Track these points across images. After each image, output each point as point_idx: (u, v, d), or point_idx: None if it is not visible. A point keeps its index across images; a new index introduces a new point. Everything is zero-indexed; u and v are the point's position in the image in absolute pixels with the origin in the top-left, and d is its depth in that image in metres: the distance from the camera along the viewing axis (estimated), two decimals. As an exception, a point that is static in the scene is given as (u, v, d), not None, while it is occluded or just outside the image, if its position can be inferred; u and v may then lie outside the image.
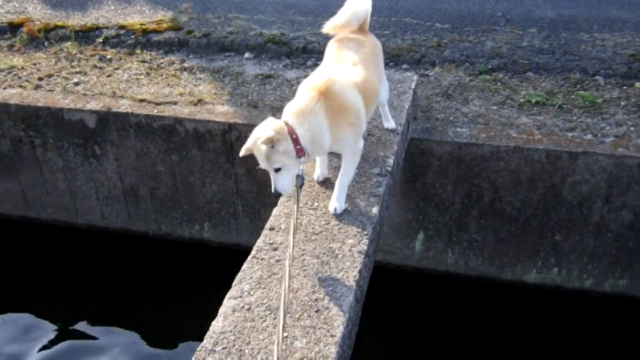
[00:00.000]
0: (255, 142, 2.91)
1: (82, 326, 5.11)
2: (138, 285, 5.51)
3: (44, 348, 4.90)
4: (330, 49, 3.62)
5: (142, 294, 5.42)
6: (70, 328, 5.10)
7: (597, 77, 5.59)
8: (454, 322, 5.00)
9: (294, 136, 2.91)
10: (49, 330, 5.09)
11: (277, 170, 2.91)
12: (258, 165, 2.98)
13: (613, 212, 4.69)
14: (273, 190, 2.95)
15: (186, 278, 5.50)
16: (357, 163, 3.32)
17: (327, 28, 3.72)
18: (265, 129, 2.89)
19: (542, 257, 5.01)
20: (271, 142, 2.82)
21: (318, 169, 3.50)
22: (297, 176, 2.99)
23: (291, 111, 3.02)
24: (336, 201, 3.24)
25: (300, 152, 2.92)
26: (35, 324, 5.17)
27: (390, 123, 4.02)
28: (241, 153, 3.02)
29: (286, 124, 2.95)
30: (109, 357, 4.79)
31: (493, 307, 5.11)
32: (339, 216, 3.20)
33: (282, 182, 2.93)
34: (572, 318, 5.01)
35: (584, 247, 4.88)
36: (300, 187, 3.01)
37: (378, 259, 4.95)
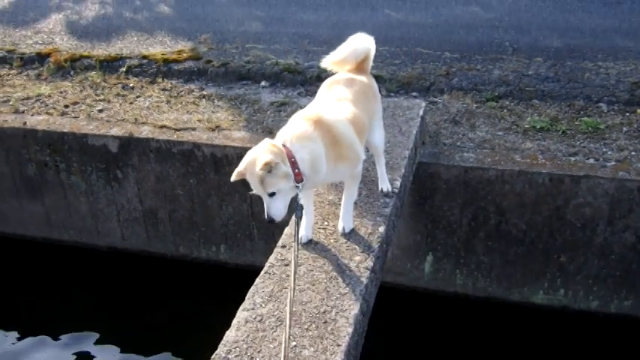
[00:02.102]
0: (249, 167, 2.79)
1: (101, 342, 5.31)
2: (155, 304, 5.71)
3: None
4: (322, 88, 3.55)
5: (159, 312, 5.61)
6: (91, 345, 5.30)
7: (600, 104, 5.76)
8: (463, 342, 5.13)
9: (292, 160, 2.83)
10: (71, 348, 5.28)
11: (271, 195, 2.80)
12: (251, 190, 2.87)
13: (616, 234, 4.83)
14: (266, 217, 2.84)
15: (202, 298, 5.68)
16: (359, 182, 3.36)
17: (325, 63, 3.66)
18: (262, 152, 2.79)
19: (549, 278, 5.14)
20: (269, 168, 2.72)
21: (303, 230, 3.31)
22: (297, 205, 2.93)
23: (289, 135, 2.93)
24: (343, 221, 3.37)
25: (299, 177, 2.84)
26: (57, 342, 5.36)
27: (385, 184, 3.80)
28: (233, 178, 2.89)
29: (284, 146, 2.88)
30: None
31: (501, 327, 5.23)
32: (348, 235, 3.36)
33: (277, 208, 2.82)
34: (580, 338, 5.11)
35: (589, 269, 5.01)
36: (300, 219, 2.97)
37: (388, 280, 5.14)
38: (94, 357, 5.19)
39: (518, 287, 5.25)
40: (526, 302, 5.29)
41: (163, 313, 5.61)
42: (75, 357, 5.18)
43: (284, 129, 3.01)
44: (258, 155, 2.77)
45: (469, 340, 5.15)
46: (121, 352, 5.21)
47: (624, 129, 5.34)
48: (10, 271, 6.21)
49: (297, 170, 2.83)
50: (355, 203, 3.49)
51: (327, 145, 2.98)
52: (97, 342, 5.33)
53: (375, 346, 3.26)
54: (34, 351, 5.28)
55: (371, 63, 3.74)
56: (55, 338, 5.41)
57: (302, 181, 2.87)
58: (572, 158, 4.95)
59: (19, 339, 5.40)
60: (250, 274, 3.22)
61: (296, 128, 2.97)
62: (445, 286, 5.42)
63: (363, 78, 3.60)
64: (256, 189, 2.83)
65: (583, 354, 4.99)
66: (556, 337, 5.12)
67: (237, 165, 5.26)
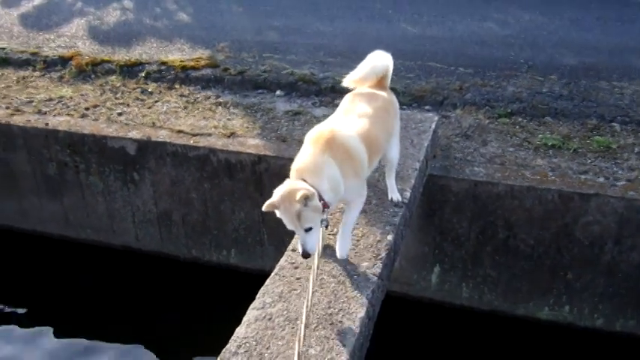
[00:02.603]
0: (284, 200, 2.78)
1: (112, 337, 5.45)
2: (167, 303, 5.82)
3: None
4: (345, 101, 3.64)
5: (170, 311, 5.74)
6: (103, 340, 5.44)
7: (614, 123, 5.82)
8: (466, 354, 5.19)
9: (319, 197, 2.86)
10: (85, 344, 5.43)
11: (307, 230, 2.82)
12: (286, 233, 2.89)
13: (623, 253, 4.87)
14: (302, 252, 2.85)
15: (213, 300, 5.77)
16: (362, 206, 3.32)
17: (347, 82, 3.76)
18: (295, 187, 2.80)
19: (555, 295, 5.19)
20: (307, 199, 2.73)
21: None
22: (322, 220, 2.96)
23: (303, 170, 2.95)
24: (341, 243, 3.28)
25: (325, 207, 2.89)
26: (71, 338, 5.52)
27: (395, 195, 3.88)
28: (264, 208, 2.82)
29: (305, 181, 2.89)
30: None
31: (506, 341, 5.28)
32: (344, 261, 3.28)
33: (312, 242, 2.84)
34: (584, 355, 5.15)
35: (595, 287, 5.05)
36: (326, 227, 3.01)
37: (395, 290, 5.22)
38: (106, 353, 5.29)
39: (524, 302, 5.30)
40: (531, 317, 5.34)
41: (174, 312, 5.72)
42: (88, 353, 5.28)
43: (297, 162, 3.02)
44: (293, 189, 2.78)
45: (472, 352, 5.21)
46: (131, 349, 5.33)
47: (636, 149, 5.39)
48: (27, 267, 6.36)
49: (322, 201, 2.87)
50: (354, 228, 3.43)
51: (340, 163, 3.02)
52: (109, 337, 5.45)
53: (380, 353, 3.33)
54: (48, 346, 5.40)
55: (389, 79, 3.85)
56: (70, 334, 5.55)
57: (328, 208, 2.93)
58: (583, 176, 5.01)
59: (32, 333, 5.53)
60: (260, 278, 3.28)
61: (306, 160, 2.99)
62: (451, 298, 5.48)
63: (384, 94, 3.70)
64: (291, 224, 2.81)
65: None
66: (560, 354, 5.17)
67: (250, 171, 5.44)
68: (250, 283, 3.48)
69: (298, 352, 2.52)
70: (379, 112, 3.51)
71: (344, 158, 3.06)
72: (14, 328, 5.61)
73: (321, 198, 2.86)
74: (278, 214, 2.84)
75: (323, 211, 2.88)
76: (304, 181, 2.89)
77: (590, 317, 5.20)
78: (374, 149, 3.34)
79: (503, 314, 5.38)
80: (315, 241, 2.87)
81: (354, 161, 3.13)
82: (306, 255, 2.85)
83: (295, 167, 3.00)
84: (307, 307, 2.75)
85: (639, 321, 5.09)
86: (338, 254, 3.29)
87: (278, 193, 2.82)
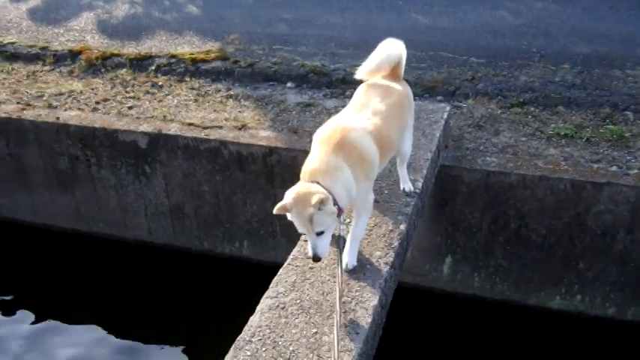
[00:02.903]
0: (296, 203, 2.69)
1: (129, 329, 5.49)
2: (180, 296, 5.85)
3: (92, 354, 5.25)
4: (358, 93, 3.52)
5: (183, 304, 5.76)
6: (119, 332, 5.47)
7: (627, 112, 5.78)
8: (478, 344, 5.18)
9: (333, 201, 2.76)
10: (99, 336, 5.45)
11: (319, 234, 2.74)
12: (296, 231, 2.81)
13: (636, 242, 4.85)
14: (312, 255, 2.77)
15: (225, 292, 5.79)
16: (369, 215, 3.23)
17: (360, 74, 3.63)
18: (309, 190, 2.71)
19: (566, 284, 5.18)
20: (322, 203, 2.65)
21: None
22: (340, 238, 2.96)
23: (316, 172, 2.84)
24: (347, 256, 3.15)
25: (340, 212, 2.80)
26: (84, 330, 5.55)
27: (407, 184, 3.83)
28: (275, 211, 2.75)
29: (318, 184, 2.79)
30: (151, 352, 5.21)
31: (517, 331, 5.28)
32: (351, 271, 3.15)
33: (324, 246, 2.76)
34: (595, 344, 5.13)
35: (607, 276, 5.04)
36: (342, 249, 2.96)
37: (407, 281, 5.22)
38: (119, 344, 5.33)
39: (536, 292, 5.30)
40: (543, 307, 5.33)
41: (187, 304, 5.75)
42: (101, 345, 5.32)
43: (309, 164, 2.92)
44: (307, 192, 2.70)
45: (484, 342, 5.20)
46: (144, 341, 5.35)
47: (649, 138, 5.36)
48: (39, 261, 6.39)
49: (336, 206, 2.77)
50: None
51: (352, 165, 2.92)
52: (122, 329, 5.49)
53: (392, 343, 3.33)
54: (60, 339, 5.42)
55: (403, 68, 3.72)
56: (83, 327, 5.58)
57: (342, 213, 2.85)
58: (595, 165, 4.98)
59: (44, 327, 5.57)
60: (272, 270, 3.28)
61: (319, 161, 2.88)
62: (463, 288, 5.48)
63: (399, 87, 3.57)
64: (302, 227, 2.74)
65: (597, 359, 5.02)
66: (571, 342, 5.15)
67: (262, 163, 5.44)
68: (263, 274, 3.47)
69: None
70: (394, 109, 3.38)
71: (356, 160, 2.95)
72: (25, 322, 5.63)
73: (335, 202, 2.76)
74: (289, 216, 2.76)
75: (338, 215, 2.80)
76: (317, 183, 2.79)
77: (601, 306, 5.19)
78: (386, 148, 3.23)
79: (515, 304, 5.37)
80: (326, 245, 2.78)
81: (365, 163, 3.02)
82: (316, 259, 2.77)
83: (308, 169, 2.89)
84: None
85: (652, 310, 5.08)
86: (344, 265, 3.10)
87: (290, 195, 2.73)
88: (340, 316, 2.68)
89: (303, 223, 2.72)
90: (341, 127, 3.02)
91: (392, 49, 3.60)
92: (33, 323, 5.62)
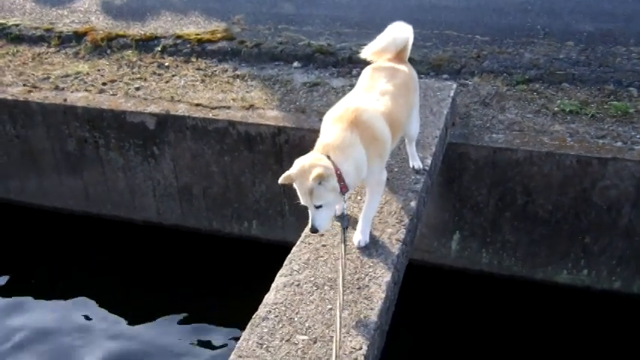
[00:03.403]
0: (300, 174, 2.78)
1: (140, 310, 5.56)
2: (189, 276, 5.92)
3: (103, 334, 5.34)
4: (364, 76, 3.57)
5: (193, 284, 5.83)
6: (131, 313, 5.54)
7: (631, 88, 5.80)
8: (487, 319, 5.26)
9: (338, 173, 2.81)
10: (111, 317, 5.53)
11: (318, 207, 2.82)
12: (297, 200, 2.88)
13: (641, 216, 4.91)
14: (310, 227, 2.88)
15: (235, 271, 5.87)
16: (382, 194, 3.30)
17: (365, 54, 3.68)
18: (315, 162, 2.78)
19: (573, 259, 5.24)
20: (322, 179, 2.72)
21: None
22: (343, 217, 3.04)
23: (329, 146, 2.90)
24: (360, 234, 3.21)
25: (345, 189, 2.85)
26: (95, 311, 5.61)
27: (416, 162, 3.89)
28: (281, 180, 2.85)
29: (328, 158, 2.84)
30: (165, 331, 5.27)
31: (525, 305, 5.35)
32: (364, 249, 3.20)
33: (322, 219, 2.84)
34: (601, 317, 5.21)
35: (613, 250, 5.10)
36: (346, 229, 3.02)
37: (416, 258, 5.25)
38: (130, 325, 5.41)
39: (543, 267, 5.36)
40: (550, 281, 5.40)
41: (196, 283, 5.83)
42: (112, 325, 5.40)
43: (322, 138, 2.98)
44: (312, 164, 2.76)
45: (492, 316, 5.28)
46: (155, 321, 5.43)
47: (653, 113, 5.39)
48: (48, 243, 6.46)
49: (342, 183, 2.82)
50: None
51: (366, 145, 2.96)
52: (132, 311, 5.56)
53: (402, 320, 3.40)
54: (70, 320, 5.49)
55: (409, 52, 3.76)
56: (93, 308, 5.63)
57: (347, 191, 2.89)
58: (600, 141, 5.02)
59: (56, 309, 5.64)
60: (282, 249, 3.33)
61: (333, 137, 2.94)
62: (471, 265, 5.54)
63: (404, 68, 3.62)
64: (303, 198, 2.83)
65: (604, 332, 5.09)
66: (578, 316, 5.23)
67: (270, 143, 5.47)
68: (272, 254, 3.53)
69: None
70: (401, 89, 3.43)
71: (370, 139, 3.00)
72: (36, 304, 5.70)
73: (342, 179, 2.82)
74: (294, 185, 2.84)
75: (342, 193, 2.85)
76: (328, 157, 2.84)
77: (607, 280, 5.25)
78: (396, 128, 3.29)
79: (523, 279, 5.44)
80: (326, 219, 2.85)
81: (378, 142, 3.06)
82: (314, 230, 2.86)
83: (322, 142, 2.94)
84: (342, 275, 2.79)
85: (658, 283, 5.15)
86: (355, 242, 3.20)
87: (297, 165, 2.81)
88: (342, 296, 2.71)
89: (303, 195, 2.81)
90: (353, 108, 3.06)
91: (399, 32, 3.64)
92: (43, 306, 5.69)
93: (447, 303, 5.44)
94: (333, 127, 3.01)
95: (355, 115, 3.00)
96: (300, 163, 2.81)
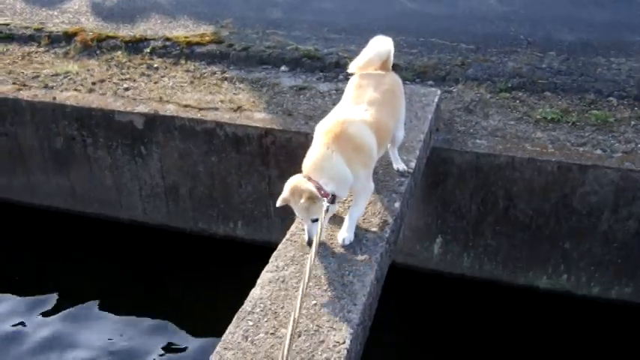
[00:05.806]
0: (293, 196, 3.06)
1: (125, 306, 5.61)
2: (174, 275, 5.98)
3: (91, 332, 5.37)
4: (351, 84, 3.77)
5: (177, 282, 5.90)
6: (111, 313, 5.58)
7: (611, 98, 5.93)
8: (468, 322, 5.35)
9: (322, 192, 3.02)
10: (96, 317, 5.56)
11: (314, 221, 3.08)
12: (294, 215, 3.21)
13: (620, 222, 5.02)
14: (307, 239, 3.15)
15: (219, 271, 5.91)
16: (369, 198, 3.46)
17: (352, 69, 3.90)
18: (303, 184, 3.04)
19: (553, 264, 5.35)
20: (314, 199, 3.00)
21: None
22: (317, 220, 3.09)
23: (309, 168, 3.14)
24: (346, 232, 3.31)
25: (331, 198, 3.05)
26: (82, 310, 5.63)
27: (400, 165, 4.02)
28: (278, 203, 3.13)
29: (309, 179, 3.07)
30: (151, 327, 5.33)
31: (505, 310, 5.45)
32: (348, 247, 3.29)
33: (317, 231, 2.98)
34: (581, 323, 5.31)
35: (592, 256, 5.21)
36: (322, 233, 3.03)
37: (399, 261, 5.36)
38: (115, 324, 5.44)
39: (524, 272, 5.46)
40: (530, 286, 5.50)
41: (181, 282, 5.88)
42: (96, 324, 5.43)
43: (307, 157, 3.21)
44: (299, 188, 3.04)
45: (473, 320, 5.37)
46: (139, 320, 5.47)
47: (632, 122, 5.52)
48: (35, 241, 6.48)
49: (323, 192, 3.04)
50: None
51: (348, 156, 3.16)
52: (118, 309, 5.59)
53: (385, 322, 3.48)
54: (55, 319, 5.51)
55: (392, 61, 3.99)
56: (78, 307, 5.66)
57: (335, 197, 3.11)
58: (581, 148, 5.14)
59: (42, 306, 5.64)
60: (266, 250, 3.39)
61: (313, 155, 3.17)
62: (453, 268, 5.64)
63: (390, 76, 3.86)
64: (301, 215, 3.13)
65: (583, 338, 5.20)
66: (558, 322, 5.33)
67: (257, 145, 5.54)
68: (257, 255, 3.59)
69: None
70: (387, 96, 3.65)
71: (353, 151, 3.20)
72: (23, 303, 5.70)
73: (325, 193, 3.03)
74: (291, 204, 3.12)
75: (333, 202, 3.08)
76: (309, 179, 3.07)
77: (587, 285, 5.37)
78: (383, 136, 3.50)
79: (504, 284, 5.54)
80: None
81: (363, 153, 3.26)
82: (310, 242, 3.05)
83: (303, 164, 3.20)
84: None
85: (635, 289, 5.25)
86: (339, 240, 3.31)
87: (287, 188, 3.10)
88: (305, 289, 2.65)
89: (299, 212, 3.12)
90: (341, 121, 3.27)
91: (381, 46, 3.89)
92: (28, 299, 5.71)
93: (428, 305, 5.53)
94: (317, 141, 3.23)
95: (341, 129, 3.21)
96: (289, 185, 3.10)
